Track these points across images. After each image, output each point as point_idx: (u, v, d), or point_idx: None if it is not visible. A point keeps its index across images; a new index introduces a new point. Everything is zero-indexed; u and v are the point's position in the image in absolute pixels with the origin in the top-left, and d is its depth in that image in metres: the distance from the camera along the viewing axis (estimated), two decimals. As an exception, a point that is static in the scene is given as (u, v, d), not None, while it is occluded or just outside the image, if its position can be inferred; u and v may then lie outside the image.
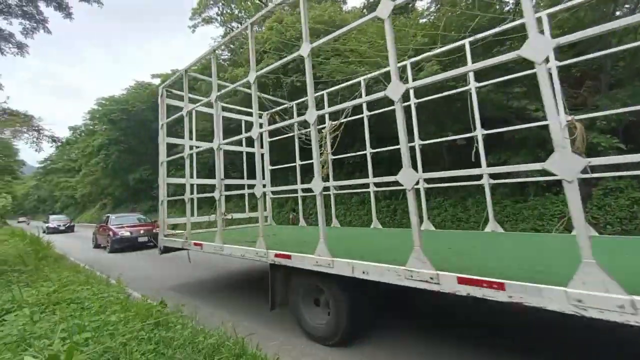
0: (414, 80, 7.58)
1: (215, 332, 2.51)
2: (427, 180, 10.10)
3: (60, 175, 43.24)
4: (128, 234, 10.43)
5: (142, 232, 10.62)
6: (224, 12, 22.73)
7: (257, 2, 21.72)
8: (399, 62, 8.83)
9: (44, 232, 20.61)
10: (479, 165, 4.47)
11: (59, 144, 16.97)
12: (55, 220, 23.33)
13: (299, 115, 10.50)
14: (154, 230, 10.52)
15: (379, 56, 8.87)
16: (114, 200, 32.40)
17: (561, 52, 6.34)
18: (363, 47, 9.61)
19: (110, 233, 10.55)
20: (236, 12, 23.12)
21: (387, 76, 8.69)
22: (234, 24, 23.93)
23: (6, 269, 6.11)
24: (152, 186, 25.35)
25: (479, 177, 4.79)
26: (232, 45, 22.41)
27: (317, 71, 10.57)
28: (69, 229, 22.59)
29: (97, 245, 12.12)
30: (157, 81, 27.10)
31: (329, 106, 10.71)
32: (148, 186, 25.94)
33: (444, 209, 9.04)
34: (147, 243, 10.48)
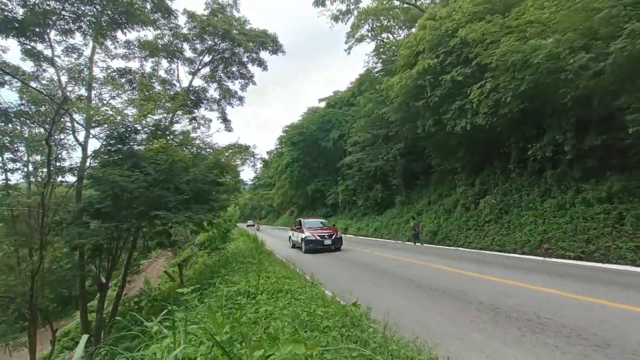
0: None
1: (406, 343, 2.62)
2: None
3: (263, 189, 57.03)
4: None
5: None
6: (374, 26, 23.79)
7: (406, 5, 21.52)
8: (612, 17, 6.61)
9: (292, 246, 14.31)
10: None
11: (263, 165, 22.77)
12: (316, 229, 13.23)
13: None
14: None
15: (574, 17, 6.83)
16: (298, 207, 39.59)
17: None
18: (546, 13, 7.70)
19: None
20: (385, 22, 23.72)
21: (593, 38, 6.52)
22: (384, 35, 24.64)
23: (244, 260, 8.69)
24: (324, 195, 29.43)
25: None
26: (383, 57, 23.11)
27: (482, 58, 9.30)
28: (337, 243, 12.54)
29: None
30: (322, 104, 31.65)
31: (498, 93, 9.02)
32: (321, 195, 30.24)
33: None
34: None
